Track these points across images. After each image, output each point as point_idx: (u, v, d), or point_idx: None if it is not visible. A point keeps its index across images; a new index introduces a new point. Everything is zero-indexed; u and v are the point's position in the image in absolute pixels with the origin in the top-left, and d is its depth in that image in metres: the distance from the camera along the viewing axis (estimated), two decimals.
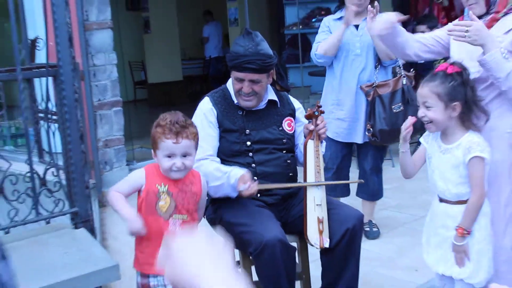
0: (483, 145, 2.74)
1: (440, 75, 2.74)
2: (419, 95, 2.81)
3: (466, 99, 2.71)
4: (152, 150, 2.77)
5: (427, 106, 2.75)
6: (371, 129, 4.39)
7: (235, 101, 3.27)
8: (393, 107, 4.40)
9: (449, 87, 2.70)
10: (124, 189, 2.78)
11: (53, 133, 3.33)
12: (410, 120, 2.89)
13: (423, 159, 3.01)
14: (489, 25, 2.96)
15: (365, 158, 4.66)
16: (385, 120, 4.37)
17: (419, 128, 4.65)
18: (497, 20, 2.96)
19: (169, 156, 2.69)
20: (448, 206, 2.84)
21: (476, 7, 2.98)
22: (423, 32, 5.98)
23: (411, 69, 4.75)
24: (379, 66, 4.45)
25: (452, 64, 2.77)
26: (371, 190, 4.72)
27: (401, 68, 4.51)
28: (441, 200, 2.88)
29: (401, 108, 4.42)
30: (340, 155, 4.59)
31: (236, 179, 3.00)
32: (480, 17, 2.96)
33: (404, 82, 4.47)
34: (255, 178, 3.19)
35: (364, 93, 4.42)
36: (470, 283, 2.80)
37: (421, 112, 2.79)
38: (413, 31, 6.47)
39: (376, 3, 4.31)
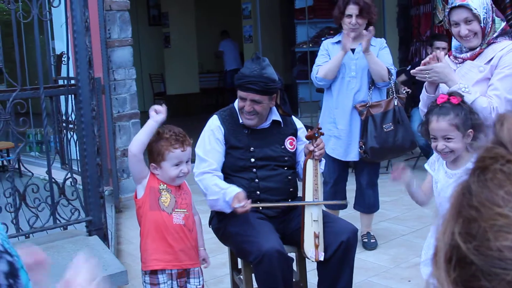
0: None
1: (449, 107, 2.74)
2: (437, 130, 2.75)
3: (474, 124, 2.74)
4: (152, 163, 2.86)
5: (448, 138, 2.73)
6: (363, 146, 4.47)
7: (241, 120, 3.35)
8: (384, 126, 4.47)
9: (463, 117, 2.72)
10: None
11: (75, 142, 3.42)
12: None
13: (431, 186, 3.01)
14: (475, 56, 3.03)
15: (361, 173, 4.73)
16: (376, 139, 4.44)
17: (408, 147, 4.73)
18: (482, 50, 3.02)
19: (177, 165, 2.80)
20: None
21: (473, 40, 3.04)
22: (444, 48, 6.10)
23: (404, 91, 4.82)
24: (373, 87, 4.52)
25: (451, 94, 2.81)
26: (367, 204, 4.78)
27: (393, 90, 4.58)
28: None
29: (392, 127, 4.49)
30: (337, 170, 4.66)
31: (230, 197, 3.07)
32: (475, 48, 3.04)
33: (396, 103, 4.54)
34: (258, 192, 3.26)
35: (358, 112, 4.50)
36: None
37: (441, 145, 2.73)
38: (431, 46, 6.52)
39: (371, 27, 4.40)
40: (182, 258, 2.87)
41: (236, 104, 3.41)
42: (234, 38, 14.05)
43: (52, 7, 2.95)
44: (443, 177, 2.87)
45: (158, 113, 2.81)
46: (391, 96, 4.57)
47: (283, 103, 3.48)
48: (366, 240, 4.76)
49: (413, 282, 4.06)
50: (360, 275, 4.05)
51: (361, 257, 4.37)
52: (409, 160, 7.57)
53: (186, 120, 11.96)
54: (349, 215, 4.93)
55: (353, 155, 4.59)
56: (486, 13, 2.99)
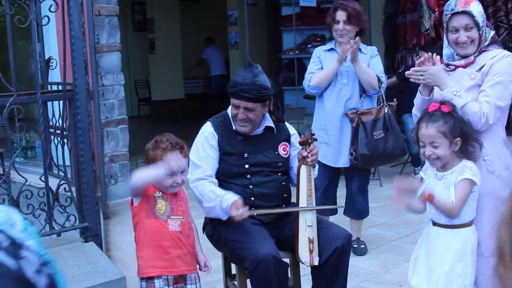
0: (476, 171, 2.83)
1: (439, 115, 2.83)
2: (424, 136, 2.86)
3: (463, 133, 2.82)
4: None
5: (435, 145, 2.83)
6: (353, 153, 4.51)
7: (234, 127, 3.36)
8: (374, 133, 4.52)
9: (452, 125, 2.81)
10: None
11: (62, 149, 3.41)
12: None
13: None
14: (468, 64, 3.08)
15: (351, 179, 4.77)
16: (366, 146, 4.49)
17: (398, 154, 4.78)
18: (475, 59, 3.07)
19: (171, 174, 2.80)
20: (440, 229, 2.90)
21: (470, 47, 3.08)
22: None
23: (394, 99, 4.87)
24: (364, 94, 4.57)
25: (443, 103, 2.87)
26: (357, 209, 4.82)
27: (384, 98, 4.63)
28: (434, 224, 2.95)
29: (382, 134, 4.54)
30: (328, 176, 4.69)
31: (228, 204, 3.09)
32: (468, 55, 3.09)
33: (386, 111, 4.58)
34: (252, 198, 3.28)
35: (349, 119, 4.54)
36: None
37: (429, 151, 2.84)
38: (417, 55, 6.60)
39: (357, 38, 4.44)
40: (178, 264, 2.88)
41: (229, 110, 3.42)
42: (220, 44, 14.07)
43: (50, 11, 2.94)
44: (431, 179, 2.94)
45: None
46: (381, 104, 4.62)
47: (276, 109, 3.50)
48: (356, 245, 4.79)
49: (403, 287, 4.09)
50: (351, 280, 4.07)
51: (352, 263, 4.37)
52: (396, 167, 7.64)
53: (171, 126, 11.97)
54: (339, 221, 4.96)
55: (343, 161, 4.62)
56: (483, 21, 3.04)
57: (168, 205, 2.86)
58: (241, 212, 3.02)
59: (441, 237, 2.89)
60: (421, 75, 3.02)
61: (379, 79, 4.53)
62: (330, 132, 4.58)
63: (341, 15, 4.49)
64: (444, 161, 2.87)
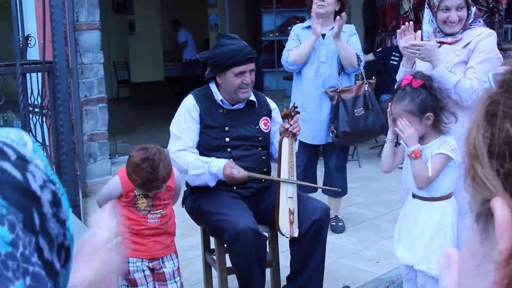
0: (454, 146, 2.84)
1: (408, 92, 2.84)
2: (394, 112, 2.89)
3: (435, 106, 2.84)
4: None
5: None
6: (334, 130, 4.53)
7: (217, 100, 3.36)
8: (355, 111, 4.54)
9: (419, 101, 2.81)
10: (106, 196, 2.88)
11: (41, 127, 3.39)
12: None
13: (401, 157, 3.10)
14: (454, 42, 3.13)
15: (330, 157, 4.79)
16: (347, 123, 4.51)
17: (379, 131, 4.81)
18: (461, 37, 3.13)
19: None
20: (420, 202, 2.93)
21: (457, 26, 3.14)
22: None
23: (373, 77, 4.90)
24: (342, 72, 4.58)
25: (415, 76, 2.89)
26: (336, 187, 4.83)
27: (363, 75, 4.65)
28: (414, 196, 2.98)
29: (363, 112, 4.57)
30: (308, 154, 4.70)
31: (218, 168, 3.11)
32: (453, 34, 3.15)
33: (366, 89, 4.61)
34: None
35: (329, 97, 4.55)
36: (431, 275, 2.90)
37: (400, 128, 2.87)
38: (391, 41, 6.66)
39: (343, 13, 4.44)
40: (153, 248, 2.89)
41: (212, 84, 3.41)
42: (199, 26, 13.99)
43: None
44: None
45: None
46: (361, 82, 4.64)
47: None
48: (334, 223, 4.82)
49: (381, 263, 4.15)
50: (329, 257, 4.09)
51: (330, 240, 4.41)
52: (374, 149, 7.68)
53: (150, 108, 11.92)
54: (318, 198, 4.99)
55: (320, 139, 4.64)
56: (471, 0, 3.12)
57: (149, 202, 2.85)
58: (238, 170, 3.06)
59: (421, 210, 2.92)
60: (418, 49, 3.05)
61: (358, 57, 4.54)
62: (308, 110, 4.58)
63: None
64: (419, 135, 2.88)
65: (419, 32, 3.11)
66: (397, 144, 3.12)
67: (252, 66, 3.32)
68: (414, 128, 2.81)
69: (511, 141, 0.51)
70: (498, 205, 0.51)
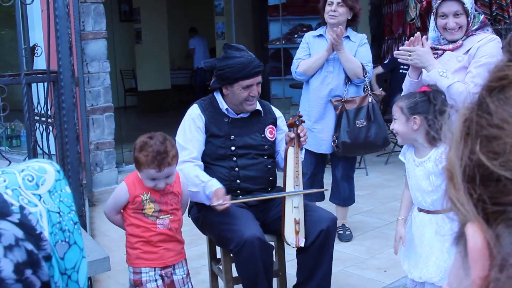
0: None
1: (412, 94, 2.85)
2: (392, 111, 2.91)
3: (426, 113, 2.79)
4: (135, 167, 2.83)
5: (394, 118, 2.85)
6: (335, 140, 4.51)
7: (223, 109, 3.35)
8: (356, 122, 4.51)
9: (412, 102, 2.79)
10: (113, 205, 2.88)
11: (47, 136, 3.39)
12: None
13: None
14: (456, 48, 3.11)
15: (336, 166, 4.78)
16: (348, 134, 4.48)
17: (381, 144, 4.78)
18: (463, 43, 3.11)
19: (153, 179, 2.78)
20: (425, 215, 2.87)
21: (457, 33, 3.12)
22: None
23: (380, 89, 4.89)
24: (349, 83, 4.56)
25: (428, 86, 2.87)
26: (342, 196, 4.82)
27: (369, 87, 4.62)
28: (420, 210, 2.94)
29: (364, 123, 4.53)
30: (314, 162, 4.69)
31: (211, 191, 3.08)
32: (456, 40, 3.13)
33: (370, 100, 4.56)
34: (238, 181, 3.28)
35: (333, 106, 4.54)
36: (439, 285, 2.86)
37: (391, 125, 2.89)
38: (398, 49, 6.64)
39: (340, 26, 4.39)
40: (166, 256, 2.87)
41: (218, 94, 3.41)
42: (206, 35, 14.03)
43: None
44: (411, 165, 2.93)
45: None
46: (366, 93, 4.61)
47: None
48: (341, 232, 4.80)
49: (388, 272, 4.12)
50: (337, 266, 4.08)
51: (337, 248, 4.41)
52: (381, 156, 7.66)
53: (157, 117, 11.92)
54: (325, 207, 4.96)
55: (325, 148, 4.63)
56: (471, 8, 3.08)
57: (156, 206, 2.83)
58: (222, 202, 3.01)
59: (426, 226, 2.87)
60: (409, 55, 3.04)
61: (364, 68, 4.51)
62: (313, 118, 4.57)
63: None
64: (403, 138, 2.86)
65: (425, 38, 3.09)
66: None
67: (259, 78, 3.31)
68: None
69: (482, 164, 0.48)
70: (471, 231, 0.49)
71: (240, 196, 3.28)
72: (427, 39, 3.22)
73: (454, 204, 0.50)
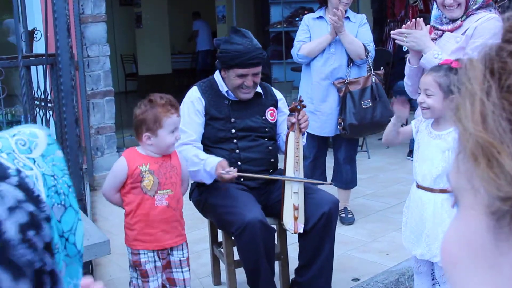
0: None
1: (445, 68, 2.73)
2: (422, 82, 2.79)
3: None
4: (146, 133, 2.77)
5: (428, 94, 2.74)
6: (342, 123, 4.48)
7: (223, 91, 3.32)
8: (362, 103, 4.47)
9: (452, 80, 2.73)
10: (112, 182, 2.85)
11: (48, 120, 3.36)
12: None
13: (407, 134, 3.04)
14: (455, 29, 3.08)
15: (339, 149, 4.74)
16: (354, 115, 4.45)
17: (387, 123, 4.72)
18: (462, 23, 3.07)
19: (173, 131, 2.77)
20: (423, 193, 2.83)
21: (456, 10, 3.07)
22: None
23: (381, 68, 4.85)
24: (352, 64, 4.52)
25: (457, 60, 2.80)
26: (345, 179, 4.80)
27: (371, 67, 4.58)
28: (418, 187, 2.90)
29: (370, 104, 4.49)
30: (316, 145, 4.66)
31: (212, 166, 3.06)
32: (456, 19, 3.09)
33: (373, 80, 4.53)
34: (239, 163, 3.25)
35: (336, 89, 4.50)
36: None
37: (421, 98, 2.77)
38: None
39: (340, 8, 4.34)
40: (163, 238, 2.84)
41: (217, 75, 3.38)
42: (207, 18, 13.95)
43: None
44: (426, 137, 2.86)
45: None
46: (368, 73, 4.57)
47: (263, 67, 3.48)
48: (343, 215, 4.78)
49: (391, 255, 4.10)
50: (339, 249, 4.07)
51: (339, 232, 4.39)
52: None
53: None
54: (327, 190, 4.95)
55: (328, 131, 4.59)
56: None
57: (155, 179, 2.79)
58: (228, 171, 2.99)
59: (425, 204, 2.83)
60: (405, 37, 3.01)
61: (365, 48, 4.48)
62: (316, 101, 4.54)
63: None
64: (435, 114, 2.77)
65: (421, 19, 3.07)
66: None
67: (255, 70, 3.24)
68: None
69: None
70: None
71: (242, 177, 3.24)
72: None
73: (504, 173, 0.44)
